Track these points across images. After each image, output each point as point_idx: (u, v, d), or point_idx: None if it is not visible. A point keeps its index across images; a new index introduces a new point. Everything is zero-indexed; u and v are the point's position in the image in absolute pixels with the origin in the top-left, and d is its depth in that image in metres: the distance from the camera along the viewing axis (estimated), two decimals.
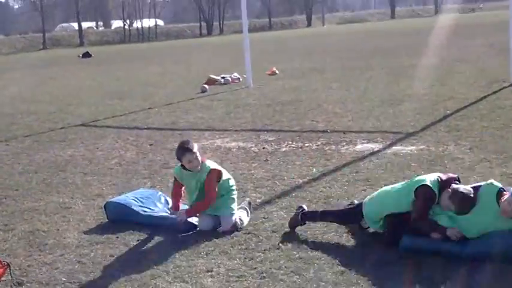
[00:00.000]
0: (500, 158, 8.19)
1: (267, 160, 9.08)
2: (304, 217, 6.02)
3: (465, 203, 5.25)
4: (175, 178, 6.60)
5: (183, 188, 6.59)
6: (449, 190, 5.36)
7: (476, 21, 54.34)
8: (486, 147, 8.91)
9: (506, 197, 5.13)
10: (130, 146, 11.04)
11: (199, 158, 6.30)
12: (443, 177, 5.54)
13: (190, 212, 6.34)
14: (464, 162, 8.10)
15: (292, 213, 6.35)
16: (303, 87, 17.58)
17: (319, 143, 10.06)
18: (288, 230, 6.05)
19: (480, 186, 5.36)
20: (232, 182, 6.49)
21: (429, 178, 5.50)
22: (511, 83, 14.97)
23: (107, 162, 9.77)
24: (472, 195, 5.27)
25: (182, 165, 6.39)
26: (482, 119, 11.00)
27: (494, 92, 14.04)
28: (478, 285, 4.60)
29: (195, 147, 6.31)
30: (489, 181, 5.42)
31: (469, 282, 4.65)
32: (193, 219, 6.40)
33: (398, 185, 5.83)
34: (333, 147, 9.68)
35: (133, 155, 10.27)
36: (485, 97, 13.43)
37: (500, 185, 5.33)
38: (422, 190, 5.43)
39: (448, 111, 11.93)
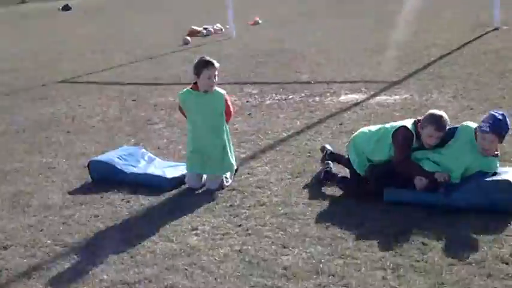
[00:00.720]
0: (483, 105, 8.19)
1: (250, 114, 9.03)
2: (327, 176, 6.00)
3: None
4: (179, 107, 6.36)
5: None
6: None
7: None
8: (469, 94, 8.91)
9: (478, 134, 5.25)
10: (113, 102, 10.92)
11: (217, 80, 6.05)
12: (420, 118, 5.56)
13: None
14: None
15: (277, 168, 6.36)
16: (286, 37, 17.39)
17: (302, 94, 10.01)
18: (272, 185, 6.05)
19: (457, 127, 5.48)
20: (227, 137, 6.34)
21: (404, 122, 5.57)
22: (494, 27, 14.90)
23: (90, 120, 9.68)
24: (441, 113, 5.42)
25: (192, 87, 6.12)
26: (465, 65, 10.97)
27: (478, 37, 13.98)
28: (460, 237, 4.63)
29: (218, 65, 6.02)
30: (465, 123, 5.55)
31: (451, 235, 4.68)
32: (178, 173, 6.35)
33: (375, 128, 5.85)
34: (317, 98, 9.64)
35: (116, 111, 10.18)
36: (468, 42, 13.36)
37: (475, 125, 5.40)
38: (399, 131, 5.48)
39: (432, 59, 11.88)
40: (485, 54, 11.76)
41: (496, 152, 5.31)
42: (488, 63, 10.87)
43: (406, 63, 11.66)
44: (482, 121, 5.27)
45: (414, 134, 5.45)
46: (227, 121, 6.27)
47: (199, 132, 6.18)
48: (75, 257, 4.92)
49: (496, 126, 5.14)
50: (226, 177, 6.20)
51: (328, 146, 6.47)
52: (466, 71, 10.43)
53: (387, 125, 5.75)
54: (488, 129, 5.14)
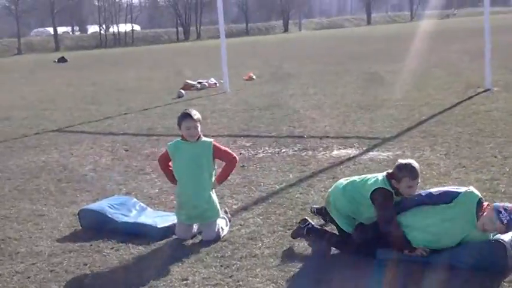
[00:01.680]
0: (475, 164, 8.22)
1: (243, 166, 9.02)
2: (309, 231, 5.80)
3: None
4: (164, 155, 6.37)
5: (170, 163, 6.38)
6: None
7: (451, 27, 54.83)
8: (461, 152, 8.94)
9: (487, 212, 5.01)
10: (106, 151, 10.92)
11: (199, 130, 6.14)
12: (389, 171, 5.52)
13: (220, 179, 6.26)
14: (440, 168, 8.11)
15: (269, 220, 6.33)
16: (280, 93, 17.56)
17: (296, 148, 10.03)
18: (264, 237, 6.00)
19: (459, 193, 5.20)
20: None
21: (378, 179, 5.47)
22: (485, 89, 15.09)
23: (82, 169, 9.65)
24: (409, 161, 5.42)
25: (181, 137, 6.22)
26: (457, 124, 11.05)
27: (469, 98, 14.13)
28: None
29: (197, 116, 6.16)
30: (469, 189, 5.24)
31: None
32: (168, 223, 6.30)
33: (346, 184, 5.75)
34: (310, 152, 9.66)
35: (109, 161, 10.16)
36: (460, 102, 13.50)
37: (479, 195, 5.19)
38: (377, 193, 5.36)
39: (424, 117, 11.97)
40: (476, 114, 11.87)
41: None
42: (479, 123, 10.95)
43: (398, 121, 11.74)
44: (505, 209, 4.97)
45: (391, 190, 5.39)
46: (232, 167, 6.27)
47: (185, 182, 6.19)
48: None
49: None
50: (222, 228, 6.14)
51: (309, 220, 6.04)
52: (457, 130, 10.50)
53: (357, 180, 5.68)
54: (505, 222, 4.90)
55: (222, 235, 6.10)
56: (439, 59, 24.10)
